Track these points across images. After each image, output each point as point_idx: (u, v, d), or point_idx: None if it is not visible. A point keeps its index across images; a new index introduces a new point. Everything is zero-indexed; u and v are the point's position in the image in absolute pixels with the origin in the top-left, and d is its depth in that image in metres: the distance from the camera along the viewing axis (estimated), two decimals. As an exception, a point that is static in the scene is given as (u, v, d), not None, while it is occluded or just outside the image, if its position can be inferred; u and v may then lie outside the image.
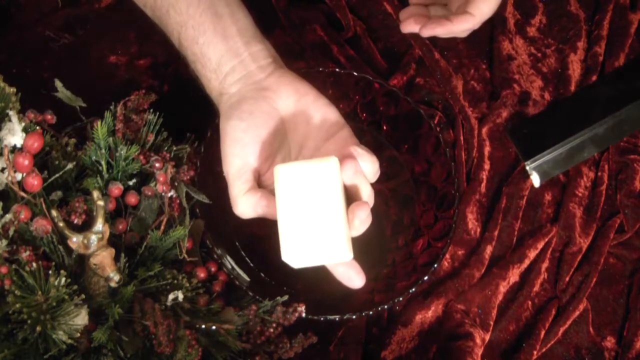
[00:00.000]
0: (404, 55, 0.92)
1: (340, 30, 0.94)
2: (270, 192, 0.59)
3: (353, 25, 0.94)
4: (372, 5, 0.97)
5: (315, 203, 0.55)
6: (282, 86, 0.62)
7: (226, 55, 0.62)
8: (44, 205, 0.59)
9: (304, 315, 0.67)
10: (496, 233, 0.82)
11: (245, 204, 0.59)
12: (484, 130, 0.88)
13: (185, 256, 0.67)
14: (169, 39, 0.66)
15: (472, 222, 0.83)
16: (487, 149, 0.87)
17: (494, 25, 0.96)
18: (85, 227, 0.60)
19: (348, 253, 0.57)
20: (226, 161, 0.60)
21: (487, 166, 0.87)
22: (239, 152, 0.59)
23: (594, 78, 0.93)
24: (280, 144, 0.63)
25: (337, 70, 0.79)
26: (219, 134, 0.63)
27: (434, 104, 0.89)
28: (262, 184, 0.61)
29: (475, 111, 0.90)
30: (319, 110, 0.62)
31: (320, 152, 0.61)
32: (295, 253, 0.55)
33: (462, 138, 0.87)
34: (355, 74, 0.79)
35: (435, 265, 0.71)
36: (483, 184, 0.85)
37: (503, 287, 0.80)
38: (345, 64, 0.90)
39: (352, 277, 0.60)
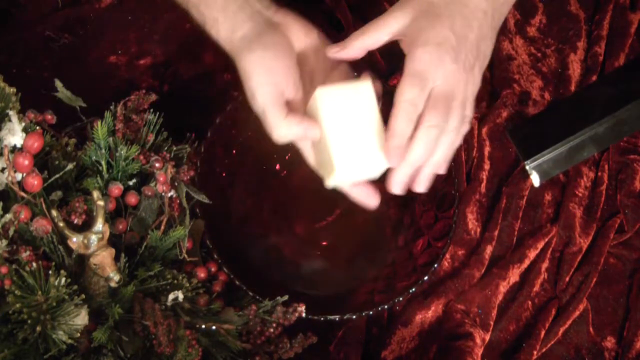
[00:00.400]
0: (403, 55, 0.92)
1: (340, 30, 0.94)
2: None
3: (353, 25, 0.94)
4: (372, 5, 0.97)
5: (358, 121, 0.61)
6: (290, 22, 0.64)
7: None
8: (44, 205, 0.59)
9: (304, 315, 0.67)
10: (496, 233, 0.82)
11: (287, 127, 0.60)
12: (484, 130, 0.88)
13: (185, 256, 0.67)
14: None
15: (472, 222, 0.83)
16: (487, 149, 0.87)
17: None
18: (85, 227, 0.60)
19: (386, 163, 0.61)
20: (260, 91, 0.60)
21: (487, 166, 0.87)
22: (272, 79, 0.61)
23: (594, 78, 0.93)
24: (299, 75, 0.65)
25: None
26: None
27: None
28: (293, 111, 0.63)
29: (475, 111, 0.90)
30: (323, 46, 0.65)
31: (328, 82, 0.65)
32: (349, 168, 0.60)
33: None
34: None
35: (436, 265, 0.71)
36: (483, 184, 0.85)
37: (503, 287, 0.80)
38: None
39: (369, 196, 0.65)
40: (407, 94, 0.59)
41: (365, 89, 0.62)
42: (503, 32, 0.95)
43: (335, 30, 0.93)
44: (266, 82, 0.60)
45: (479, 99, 0.91)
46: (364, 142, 0.61)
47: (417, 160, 0.60)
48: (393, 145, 0.59)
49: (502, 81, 0.92)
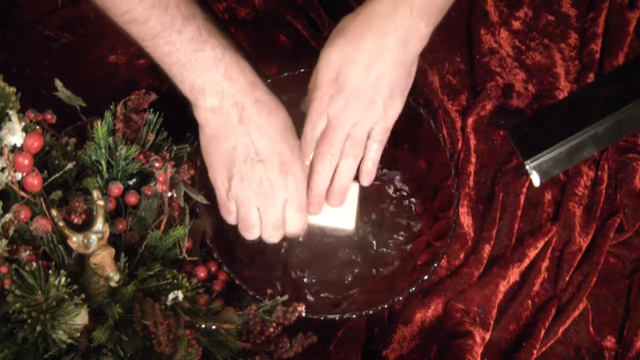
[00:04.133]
0: None
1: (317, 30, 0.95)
2: None
3: (328, 26, 0.94)
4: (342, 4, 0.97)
5: None
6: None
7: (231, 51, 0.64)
8: (44, 205, 0.59)
9: (304, 315, 0.67)
10: (494, 232, 0.82)
11: None
12: (469, 122, 0.89)
13: (185, 256, 0.67)
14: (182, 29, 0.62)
15: (464, 216, 0.83)
16: (472, 142, 0.88)
17: (473, 18, 0.96)
18: (85, 226, 0.60)
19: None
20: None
21: (473, 159, 0.87)
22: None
23: (591, 75, 0.93)
24: None
25: None
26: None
27: (416, 100, 0.90)
28: None
29: (455, 104, 0.91)
30: None
31: None
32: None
33: (445, 132, 0.87)
34: None
35: (435, 265, 0.71)
36: (471, 178, 0.86)
37: (503, 287, 0.80)
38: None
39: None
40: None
41: None
42: (485, 25, 0.96)
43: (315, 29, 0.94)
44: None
45: (457, 92, 0.92)
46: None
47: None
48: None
49: (483, 74, 0.92)
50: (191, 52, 0.61)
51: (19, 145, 0.60)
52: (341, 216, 0.75)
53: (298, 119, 0.83)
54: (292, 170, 0.67)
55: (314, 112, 0.68)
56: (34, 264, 0.56)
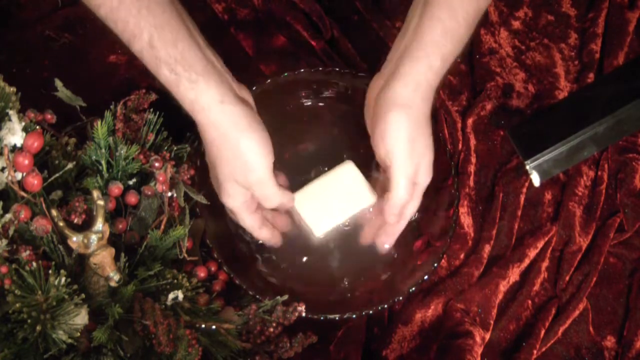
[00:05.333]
0: (380, 55, 0.92)
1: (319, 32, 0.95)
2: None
3: (330, 28, 0.94)
4: (346, 7, 0.97)
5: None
6: (245, 94, 0.69)
7: (209, 65, 0.63)
8: (44, 205, 0.59)
9: (304, 314, 0.67)
10: (494, 232, 0.82)
11: (280, 195, 0.70)
12: (469, 123, 0.89)
13: (185, 256, 0.67)
14: (124, 39, 0.62)
15: (464, 216, 0.83)
16: (472, 142, 0.88)
17: None
18: (85, 226, 0.60)
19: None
20: (261, 167, 0.66)
21: (474, 159, 0.87)
22: (270, 158, 0.67)
23: (591, 75, 0.93)
24: None
25: (347, 71, 0.80)
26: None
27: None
28: None
29: (455, 104, 0.91)
30: None
31: None
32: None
33: (446, 132, 0.87)
34: (362, 74, 0.79)
35: (436, 265, 0.71)
36: (471, 178, 0.86)
37: (503, 287, 0.80)
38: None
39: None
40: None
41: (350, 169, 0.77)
42: (485, 25, 0.96)
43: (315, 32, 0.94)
44: (266, 160, 0.66)
45: (457, 92, 0.92)
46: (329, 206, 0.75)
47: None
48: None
49: (483, 74, 0.92)
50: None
51: (19, 145, 0.60)
52: (360, 198, 0.75)
53: (298, 119, 0.83)
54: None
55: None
56: (34, 264, 0.56)
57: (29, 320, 0.54)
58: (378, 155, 0.70)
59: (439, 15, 0.64)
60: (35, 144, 0.59)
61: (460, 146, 0.88)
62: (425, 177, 0.70)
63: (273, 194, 0.69)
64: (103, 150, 0.65)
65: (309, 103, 0.82)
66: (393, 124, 0.66)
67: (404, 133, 0.66)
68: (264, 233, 0.73)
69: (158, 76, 0.62)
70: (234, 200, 0.69)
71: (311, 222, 0.74)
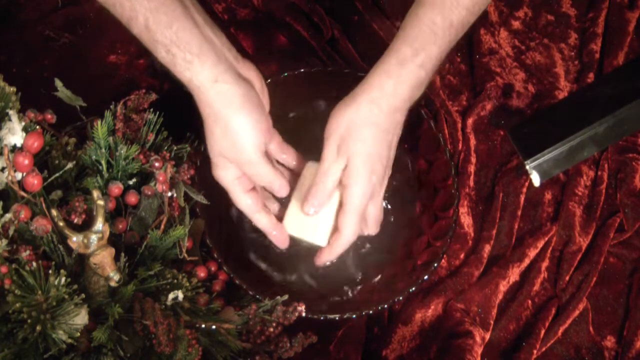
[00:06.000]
0: (380, 55, 0.92)
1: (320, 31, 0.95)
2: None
3: (331, 28, 0.94)
4: (346, 7, 0.97)
5: None
6: (251, 73, 0.68)
7: (205, 43, 0.63)
8: (44, 205, 0.59)
9: (304, 314, 0.67)
10: (494, 232, 0.82)
11: (272, 173, 0.69)
12: (469, 123, 0.89)
13: (185, 255, 0.67)
14: (124, 22, 0.64)
15: (464, 216, 0.83)
16: (472, 142, 0.88)
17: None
18: (85, 226, 0.60)
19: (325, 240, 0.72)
20: (250, 147, 0.66)
21: (474, 159, 0.87)
22: (262, 138, 0.66)
23: (591, 75, 0.93)
24: None
25: (347, 71, 0.80)
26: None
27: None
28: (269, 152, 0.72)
29: (456, 104, 0.91)
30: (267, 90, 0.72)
31: None
32: (295, 227, 0.72)
33: (446, 132, 0.87)
34: (362, 74, 0.79)
35: (436, 265, 0.71)
36: (471, 178, 0.86)
37: (503, 286, 0.80)
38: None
39: (280, 242, 0.73)
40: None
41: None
42: (485, 25, 0.96)
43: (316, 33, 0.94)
44: (257, 140, 0.66)
45: (457, 92, 0.92)
46: (318, 216, 0.71)
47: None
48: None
49: (483, 74, 0.92)
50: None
51: (19, 145, 0.60)
52: (314, 232, 0.72)
53: (298, 119, 0.83)
54: None
55: None
56: (34, 264, 0.56)
57: (29, 320, 0.54)
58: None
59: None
60: (35, 144, 0.59)
61: (460, 146, 0.88)
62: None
63: (265, 172, 0.68)
64: (103, 150, 0.65)
65: (309, 103, 0.82)
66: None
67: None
68: (262, 219, 0.71)
69: (157, 56, 0.63)
70: (226, 174, 0.68)
71: (312, 238, 0.72)
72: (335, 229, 0.70)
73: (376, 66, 0.67)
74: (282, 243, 0.73)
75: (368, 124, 0.66)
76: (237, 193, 0.69)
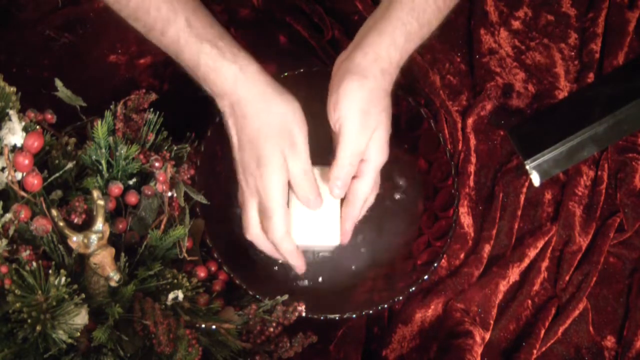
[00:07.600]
0: None
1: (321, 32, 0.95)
2: None
3: (331, 28, 0.94)
4: (346, 7, 0.97)
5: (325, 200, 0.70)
6: None
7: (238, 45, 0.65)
8: (44, 205, 0.59)
9: (304, 314, 0.67)
10: (494, 232, 0.82)
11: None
12: (469, 123, 0.89)
13: (185, 255, 0.67)
14: (156, 27, 0.64)
15: (464, 216, 0.83)
16: (472, 142, 0.88)
17: (472, 18, 0.96)
18: (85, 226, 0.60)
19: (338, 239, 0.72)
20: (302, 133, 0.67)
21: (474, 159, 0.87)
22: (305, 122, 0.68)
23: (591, 75, 0.93)
24: None
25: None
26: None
27: (417, 100, 0.90)
28: None
29: (456, 104, 0.91)
30: None
31: None
32: (303, 235, 0.71)
33: (446, 132, 0.87)
34: None
35: (436, 265, 0.71)
36: (471, 178, 0.86)
37: (503, 286, 0.80)
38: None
39: (298, 266, 0.72)
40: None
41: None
42: (485, 25, 0.96)
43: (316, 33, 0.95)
44: (305, 125, 0.67)
45: (457, 92, 0.92)
46: (324, 217, 0.71)
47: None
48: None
49: (483, 74, 0.92)
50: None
51: (19, 145, 0.60)
52: (325, 234, 0.71)
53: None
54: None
55: None
56: (34, 264, 0.56)
57: (29, 320, 0.54)
58: (332, 127, 0.67)
59: None
60: (35, 143, 0.59)
61: (460, 146, 0.88)
62: (377, 154, 0.66)
63: (307, 158, 0.66)
64: (103, 150, 0.65)
65: (309, 103, 0.82)
66: (347, 91, 0.64)
67: (356, 103, 0.64)
68: (290, 245, 0.68)
69: (198, 55, 0.63)
70: (278, 177, 0.64)
71: (323, 242, 0.71)
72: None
73: (370, 32, 0.66)
74: (302, 267, 0.71)
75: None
76: (281, 210, 0.65)
